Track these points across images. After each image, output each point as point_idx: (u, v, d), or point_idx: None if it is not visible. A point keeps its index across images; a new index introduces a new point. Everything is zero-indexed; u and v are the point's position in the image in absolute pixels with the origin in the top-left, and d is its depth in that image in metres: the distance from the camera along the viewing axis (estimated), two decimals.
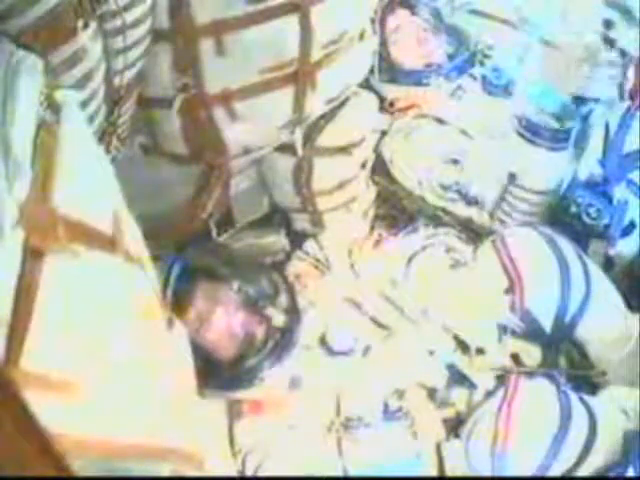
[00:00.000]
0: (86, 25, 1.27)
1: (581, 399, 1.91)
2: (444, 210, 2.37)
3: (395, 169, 2.38)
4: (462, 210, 2.34)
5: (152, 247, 1.36)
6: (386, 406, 1.87)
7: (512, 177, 2.24)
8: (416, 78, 2.45)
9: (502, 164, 2.26)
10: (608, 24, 2.38)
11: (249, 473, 1.80)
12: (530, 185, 2.23)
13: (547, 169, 2.23)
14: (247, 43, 1.64)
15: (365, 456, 1.81)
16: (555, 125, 2.25)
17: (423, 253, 2.18)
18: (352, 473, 1.80)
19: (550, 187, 2.24)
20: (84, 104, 1.32)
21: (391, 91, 2.45)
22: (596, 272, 2.11)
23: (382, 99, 2.38)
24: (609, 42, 2.44)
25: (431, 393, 1.97)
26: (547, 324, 2.04)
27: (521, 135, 2.23)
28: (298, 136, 1.97)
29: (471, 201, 2.31)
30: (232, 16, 1.60)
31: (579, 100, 2.30)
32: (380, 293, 2.05)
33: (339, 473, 1.80)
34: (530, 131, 2.23)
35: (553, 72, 2.36)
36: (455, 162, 2.32)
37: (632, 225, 2.24)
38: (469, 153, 2.29)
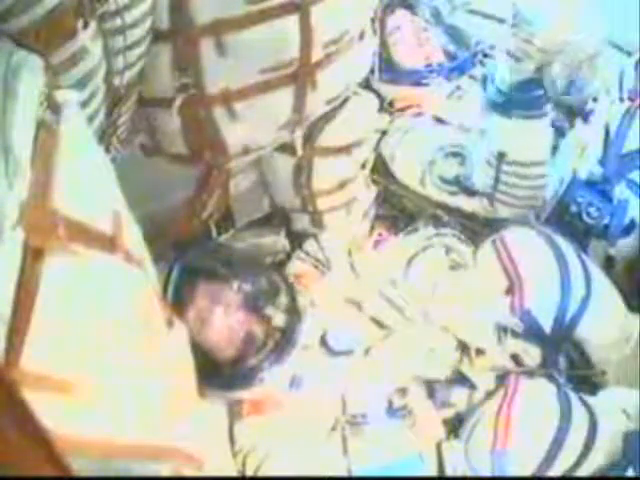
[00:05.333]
0: (86, 25, 1.26)
1: (581, 399, 1.91)
2: (445, 209, 2.37)
3: (395, 166, 2.38)
4: (464, 204, 2.33)
5: (152, 247, 1.36)
6: (390, 404, 1.87)
7: (501, 155, 2.19)
8: (416, 78, 2.46)
9: (490, 147, 2.24)
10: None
11: (249, 473, 1.80)
12: (522, 158, 2.17)
13: (531, 138, 2.20)
14: (247, 43, 1.64)
15: (369, 455, 1.81)
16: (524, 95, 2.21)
17: (423, 254, 2.18)
18: (355, 472, 1.80)
19: (540, 158, 2.19)
20: (84, 104, 1.32)
21: (391, 91, 2.46)
22: (596, 272, 2.11)
23: (382, 99, 2.38)
24: (609, 42, 2.45)
25: (431, 393, 1.97)
26: (547, 324, 2.04)
27: (498, 112, 2.19)
28: (298, 136, 1.97)
29: (471, 192, 2.29)
30: (232, 16, 1.60)
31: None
32: (380, 293, 2.05)
33: (342, 472, 1.80)
34: (502, 106, 2.19)
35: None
36: (455, 155, 2.32)
37: (632, 224, 2.24)
38: (468, 147, 2.29)
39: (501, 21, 2.50)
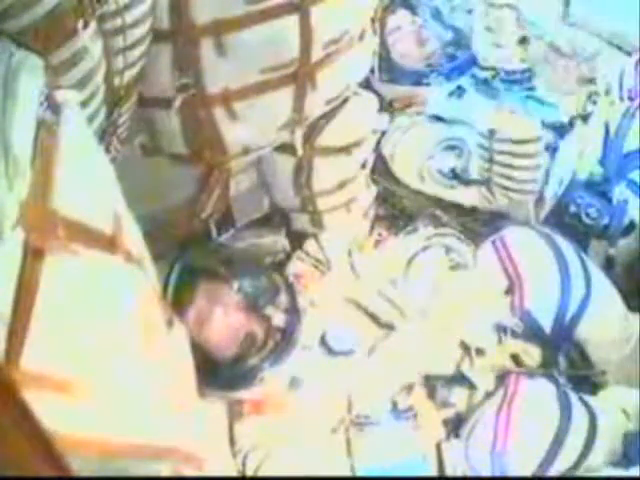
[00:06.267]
0: (86, 25, 1.26)
1: (581, 399, 1.91)
2: (445, 207, 2.37)
3: (395, 165, 2.38)
4: (463, 197, 2.33)
5: (152, 247, 1.36)
6: (394, 405, 1.87)
7: (492, 133, 2.18)
8: (416, 78, 2.46)
9: (481, 128, 2.24)
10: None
11: (249, 473, 1.80)
12: (512, 135, 2.15)
13: (519, 115, 2.19)
14: (247, 43, 1.64)
15: (373, 455, 1.81)
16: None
17: (423, 254, 2.18)
18: (359, 472, 1.80)
19: (532, 135, 2.17)
20: (84, 104, 1.31)
21: (391, 91, 2.46)
22: (596, 272, 2.11)
23: (382, 99, 2.38)
24: (609, 42, 2.45)
25: (431, 393, 1.97)
26: (547, 324, 2.04)
27: (483, 93, 2.19)
28: (298, 136, 1.97)
29: (469, 182, 2.28)
30: (232, 16, 1.60)
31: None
32: (380, 293, 2.05)
33: (343, 472, 1.80)
34: (486, 84, 2.19)
35: (553, 72, 2.36)
36: (453, 148, 2.32)
37: (632, 225, 2.24)
38: (465, 139, 2.29)
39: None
